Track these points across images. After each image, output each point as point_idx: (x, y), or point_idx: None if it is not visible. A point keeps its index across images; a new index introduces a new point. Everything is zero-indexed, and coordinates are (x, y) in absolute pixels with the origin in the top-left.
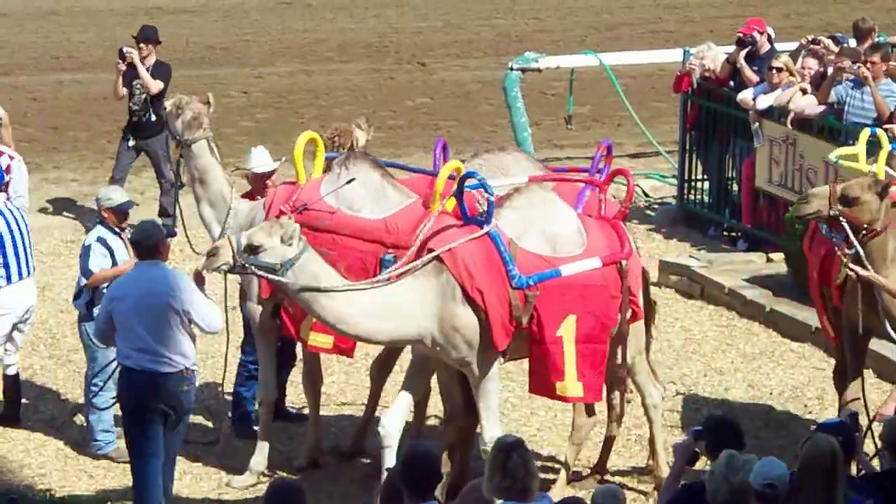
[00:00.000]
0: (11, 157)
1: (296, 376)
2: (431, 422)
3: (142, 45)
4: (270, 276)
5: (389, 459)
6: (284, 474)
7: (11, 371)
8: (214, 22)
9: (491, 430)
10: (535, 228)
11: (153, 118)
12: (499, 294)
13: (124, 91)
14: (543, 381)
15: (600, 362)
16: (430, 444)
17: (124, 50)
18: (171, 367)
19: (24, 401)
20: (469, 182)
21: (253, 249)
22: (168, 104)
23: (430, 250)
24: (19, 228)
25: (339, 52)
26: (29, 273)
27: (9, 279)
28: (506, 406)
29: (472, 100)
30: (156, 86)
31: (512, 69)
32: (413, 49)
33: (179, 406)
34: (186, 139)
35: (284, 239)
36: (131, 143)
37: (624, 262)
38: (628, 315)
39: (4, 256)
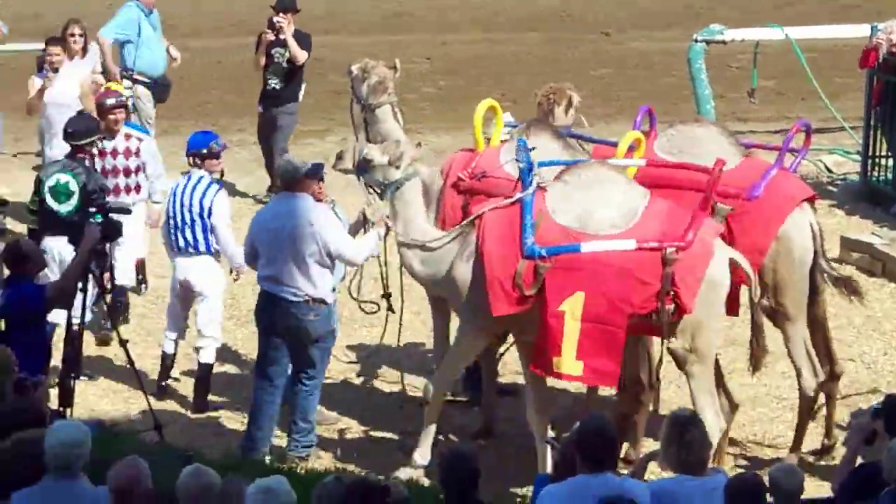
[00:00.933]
0: (140, 139)
1: None
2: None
3: (281, 14)
4: (375, 193)
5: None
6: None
7: (205, 359)
8: None
9: (432, 386)
10: (573, 203)
11: (289, 86)
12: (505, 260)
13: (264, 59)
14: (542, 356)
15: (610, 346)
16: (604, 414)
17: (275, 20)
18: (295, 295)
19: None
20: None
21: (366, 163)
22: (355, 67)
23: None
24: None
25: (524, 20)
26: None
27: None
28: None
29: (655, 71)
30: (302, 55)
31: (697, 41)
32: (597, 19)
33: (304, 334)
34: (371, 103)
35: (392, 161)
36: (260, 110)
37: (671, 250)
38: (670, 307)
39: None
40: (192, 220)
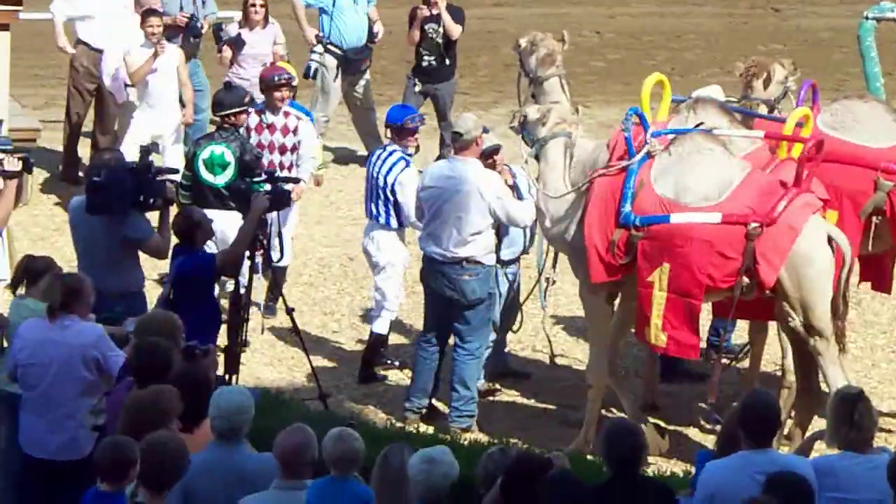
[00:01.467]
0: (299, 118)
1: None
2: None
3: None
4: (528, 149)
5: None
6: None
7: (378, 329)
8: None
9: (591, 369)
10: (673, 173)
11: (446, 62)
12: (602, 227)
13: (418, 35)
14: (640, 325)
15: (691, 318)
16: (769, 391)
17: None
18: (450, 256)
19: None
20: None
21: (523, 119)
22: (523, 41)
23: None
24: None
25: None
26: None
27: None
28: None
29: (824, 48)
30: (457, 30)
31: (867, 18)
32: None
33: (461, 294)
34: (539, 76)
35: (541, 119)
36: (418, 87)
37: (754, 225)
38: (749, 282)
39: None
40: (377, 193)
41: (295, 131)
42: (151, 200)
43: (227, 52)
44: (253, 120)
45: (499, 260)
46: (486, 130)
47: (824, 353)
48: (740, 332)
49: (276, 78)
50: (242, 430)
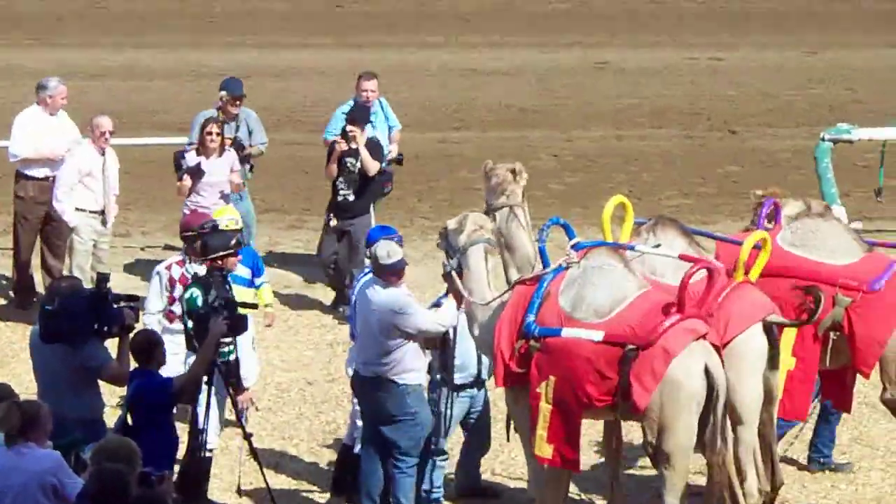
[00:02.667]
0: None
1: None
2: None
3: (352, 123)
4: (448, 262)
5: None
6: None
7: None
8: (528, 84)
9: (531, 482)
10: (575, 286)
11: (362, 197)
12: (510, 334)
13: (335, 169)
14: (531, 435)
15: (571, 433)
16: None
17: (347, 129)
18: (370, 373)
19: None
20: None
21: (444, 232)
22: (487, 169)
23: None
24: None
25: (650, 117)
26: None
27: None
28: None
29: (782, 168)
30: (375, 166)
31: (824, 139)
32: (725, 116)
33: (385, 411)
34: (491, 204)
35: (459, 228)
36: (333, 223)
37: (630, 347)
38: (642, 401)
39: None
40: None
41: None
42: (107, 328)
43: (187, 181)
44: (176, 272)
45: (451, 384)
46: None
47: (668, 481)
48: None
49: (203, 226)
50: None
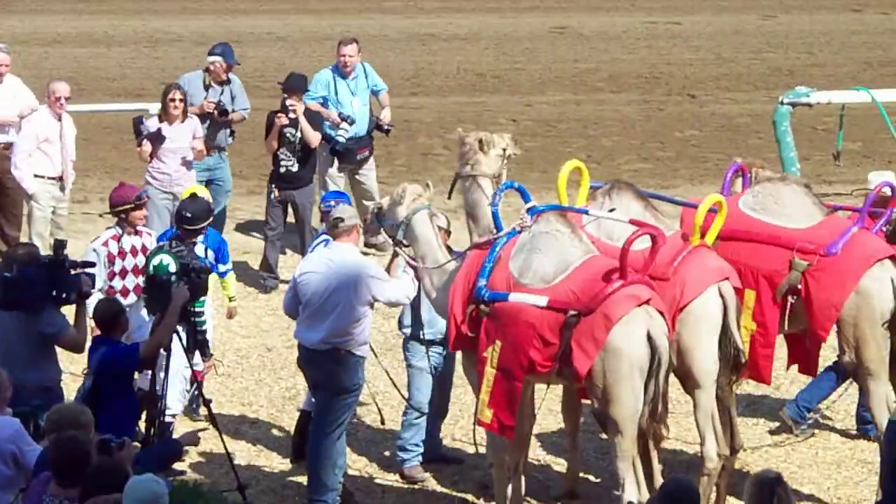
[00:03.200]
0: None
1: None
2: None
3: (288, 94)
4: (392, 238)
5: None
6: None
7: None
8: (486, 49)
9: (489, 446)
10: (524, 251)
11: (304, 168)
12: (462, 297)
13: (276, 143)
14: (476, 398)
15: (512, 399)
16: (688, 478)
17: (287, 103)
18: (322, 345)
19: None
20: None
21: (378, 212)
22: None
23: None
24: None
25: (609, 82)
26: None
27: None
28: (767, 442)
29: (741, 133)
30: (316, 137)
31: (782, 103)
32: (683, 81)
33: (328, 382)
34: (458, 173)
35: (395, 199)
36: (275, 194)
37: (572, 312)
38: (582, 367)
39: None
40: None
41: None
42: (65, 295)
43: (147, 147)
44: (113, 247)
45: (421, 339)
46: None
47: (617, 447)
48: None
49: (139, 197)
50: None
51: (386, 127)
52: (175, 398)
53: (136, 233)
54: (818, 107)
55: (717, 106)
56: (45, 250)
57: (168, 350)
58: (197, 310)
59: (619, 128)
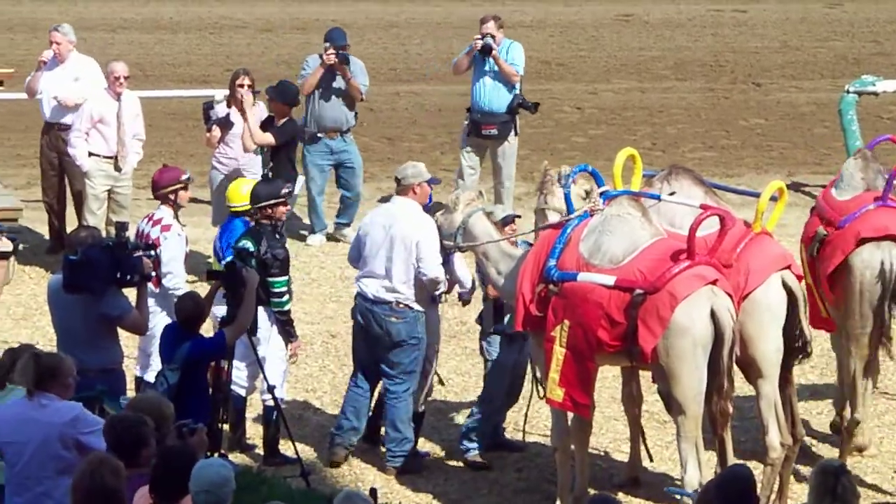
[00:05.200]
0: (167, 228)
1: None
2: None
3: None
4: (449, 244)
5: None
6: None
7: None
8: (551, 37)
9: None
10: (595, 233)
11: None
12: (532, 278)
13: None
14: (543, 379)
15: (584, 377)
16: (746, 466)
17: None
18: (378, 295)
19: None
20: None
21: (437, 228)
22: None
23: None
24: None
25: (674, 69)
26: None
27: None
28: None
29: (806, 122)
30: (266, 139)
31: (848, 92)
32: (749, 69)
33: (386, 334)
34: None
35: (450, 207)
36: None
37: (638, 291)
38: (647, 345)
39: None
40: None
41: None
42: (128, 277)
43: (216, 132)
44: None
45: (502, 332)
46: (433, 181)
47: (681, 428)
48: None
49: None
50: (225, 503)
51: (530, 104)
52: (279, 378)
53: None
54: (884, 95)
55: (783, 94)
56: (101, 229)
57: (252, 334)
58: (277, 290)
59: (683, 116)
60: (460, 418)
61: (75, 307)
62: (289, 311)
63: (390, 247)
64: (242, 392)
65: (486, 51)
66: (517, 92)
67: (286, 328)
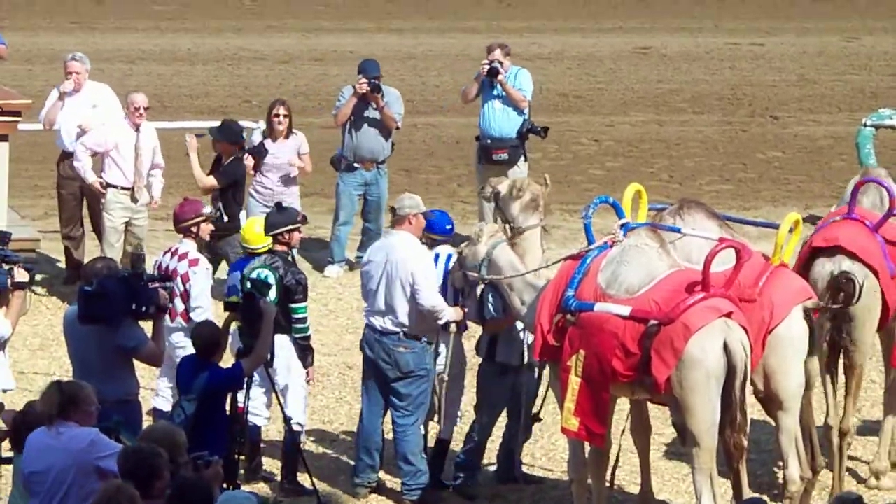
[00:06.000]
0: (194, 262)
1: None
2: None
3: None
4: (473, 276)
5: None
6: None
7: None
8: (569, 69)
9: (570, 462)
10: (613, 263)
11: (224, 219)
12: (550, 308)
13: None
14: (560, 408)
15: (599, 407)
16: (762, 500)
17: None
18: (385, 327)
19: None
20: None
21: (461, 260)
22: (502, 187)
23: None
24: None
25: (692, 102)
26: None
27: None
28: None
29: (823, 155)
30: (209, 182)
31: (865, 125)
32: (766, 102)
33: (394, 365)
34: (520, 225)
35: (474, 239)
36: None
37: (653, 322)
38: (661, 376)
39: None
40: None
41: (185, 278)
42: (144, 309)
43: (250, 161)
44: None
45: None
46: (428, 213)
47: (696, 460)
48: None
49: (199, 213)
50: None
51: (539, 129)
52: (299, 410)
53: (179, 257)
54: None
55: (800, 128)
56: (117, 261)
57: (269, 365)
58: (299, 316)
59: (701, 149)
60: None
61: (90, 338)
62: (309, 337)
63: (389, 281)
64: (259, 421)
65: (494, 73)
66: (526, 118)
67: (305, 354)
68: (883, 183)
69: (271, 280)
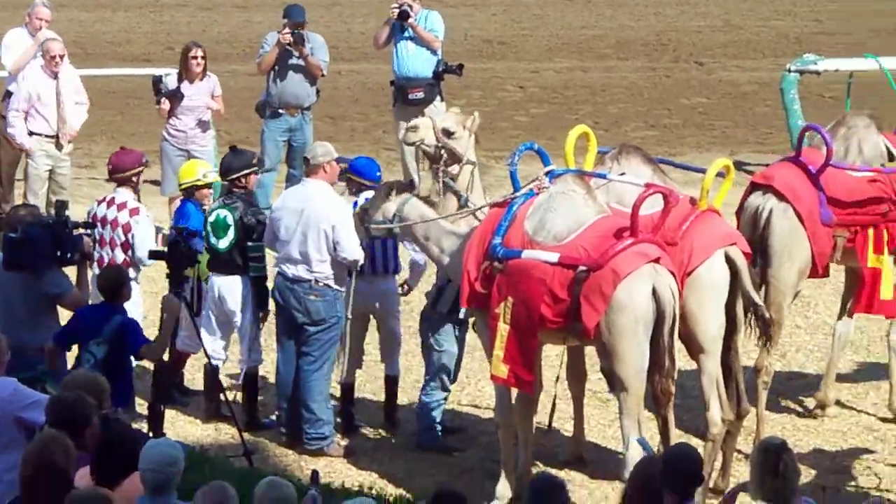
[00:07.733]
0: (135, 211)
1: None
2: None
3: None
4: (380, 228)
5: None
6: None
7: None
8: (494, 16)
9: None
10: (540, 210)
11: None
12: (477, 256)
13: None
14: (488, 356)
15: (527, 354)
16: (690, 445)
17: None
18: (297, 275)
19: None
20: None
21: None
22: (450, 123)
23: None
24: None
25: (616, 48)
26: None
27: None
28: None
29: (748, 100)
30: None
31: (790, 71)
32: (691, 48)
33: (305, 314)
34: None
35: (381, 197)
36: None
37: (582, 268)
38: (590, 322)
39: None
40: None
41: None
42: (69, 255)
43: (166, 105)
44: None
45: (455, 318)
46: (340, 160)
47: (623, 405)
48: None
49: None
50: (173, 482)
51: (454, 67)
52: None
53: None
54: (826, 74)
55: (725, 73)
56: (41, 209)
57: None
58: (256, 254)
59: (626, 95)
60: (404, 397)
61: (14, 285)
62: (265, 278)
63: (305, 231)
64: (216, 363)
65: (404, 17)
66: (440, 58)
67: (261, 294)
68: (820, 130)
69: (230, 220)
